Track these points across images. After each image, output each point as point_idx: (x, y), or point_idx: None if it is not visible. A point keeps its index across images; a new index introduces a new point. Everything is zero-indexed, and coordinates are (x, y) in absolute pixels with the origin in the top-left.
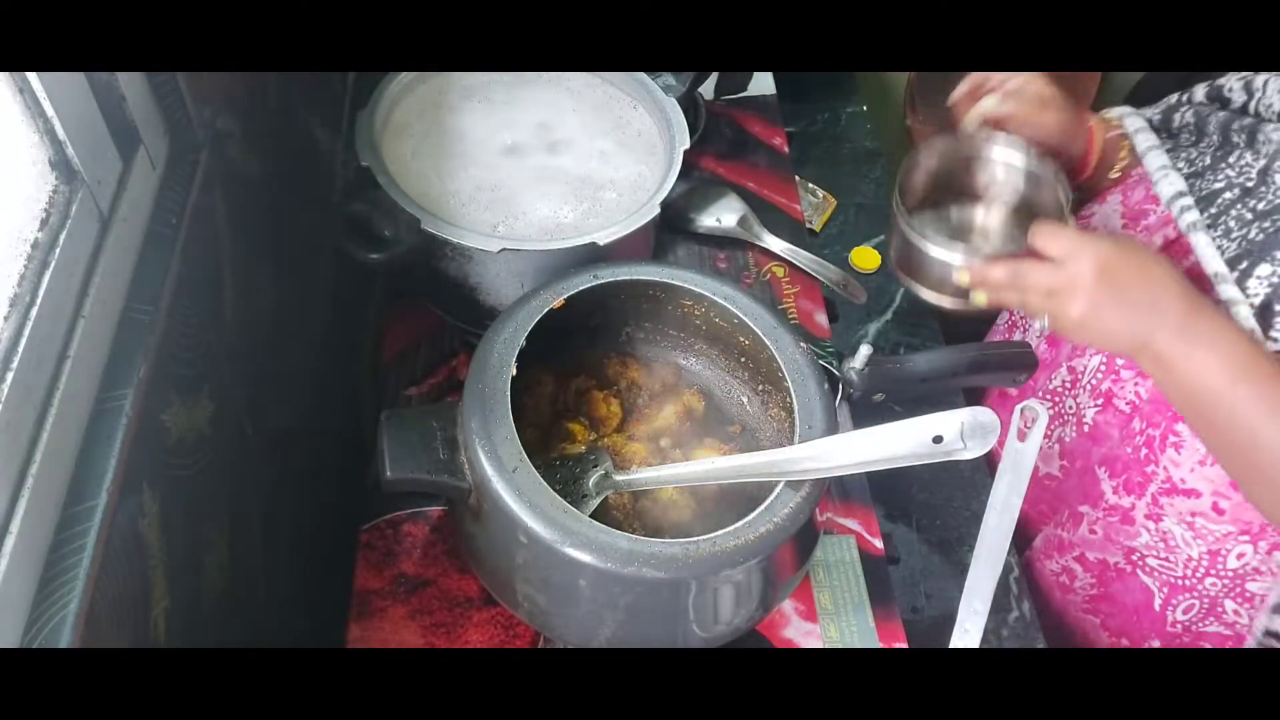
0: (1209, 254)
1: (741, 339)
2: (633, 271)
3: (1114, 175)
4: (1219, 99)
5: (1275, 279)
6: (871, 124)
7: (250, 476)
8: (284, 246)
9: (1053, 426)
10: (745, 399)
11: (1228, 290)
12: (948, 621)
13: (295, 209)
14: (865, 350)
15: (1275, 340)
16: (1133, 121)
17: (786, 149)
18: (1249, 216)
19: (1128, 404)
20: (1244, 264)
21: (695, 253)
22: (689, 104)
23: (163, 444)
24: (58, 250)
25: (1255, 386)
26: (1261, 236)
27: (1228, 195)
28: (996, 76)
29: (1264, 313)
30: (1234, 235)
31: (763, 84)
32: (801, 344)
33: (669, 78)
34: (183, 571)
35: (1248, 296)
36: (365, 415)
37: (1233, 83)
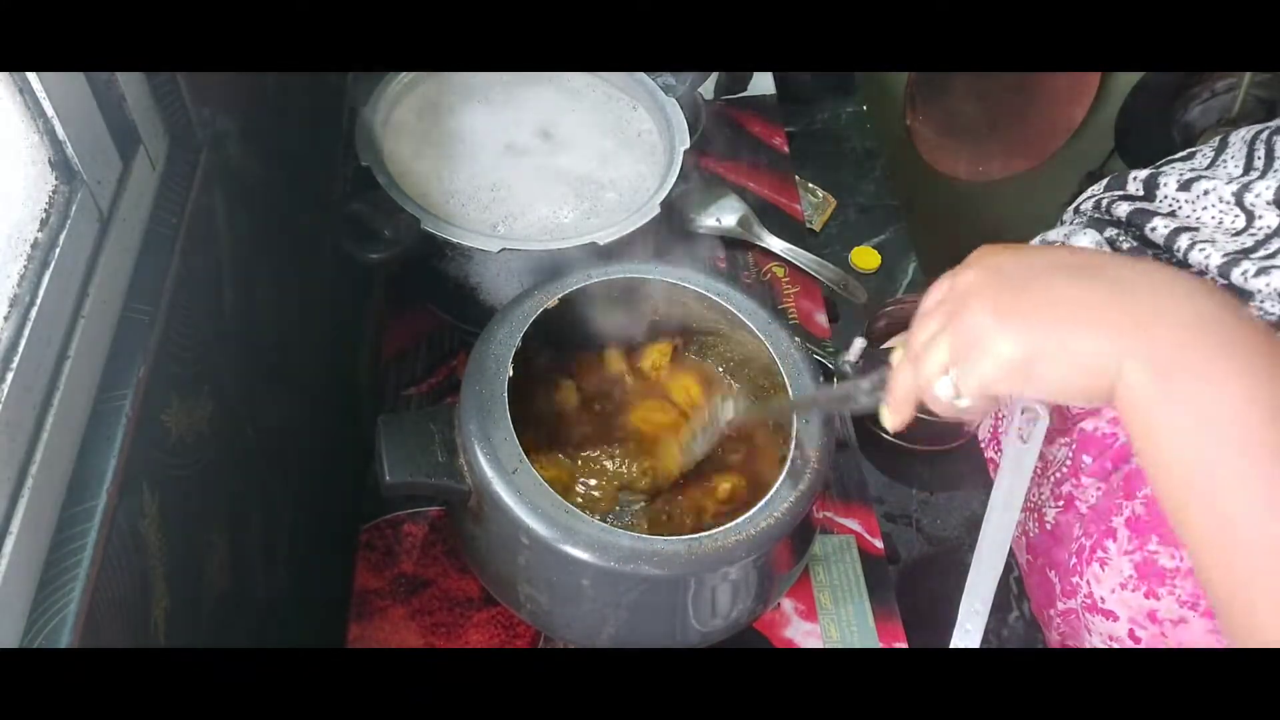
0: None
1: (738, 336)
2: (630, 270)
3: None
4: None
5: None
6: (871, 124)
7: (250, 476)
8: (284, 246)
9: (1023, 517)
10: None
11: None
12: (948, 621)
13: (295, 209)
14: (859, 343)
15: None
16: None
17: (786, 149)
18: None
19: (1088, 508)
20: None
21: (695, 253)
22: (689, 104)
23: (163, 444)
24: (58, 250)
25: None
26: None
27: None
28: None
29: None
30: None
31: (763, 84)
32: (797, 340)
33: (669, 78)
34: (183, 571)
35: None
36: (365, 415)
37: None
